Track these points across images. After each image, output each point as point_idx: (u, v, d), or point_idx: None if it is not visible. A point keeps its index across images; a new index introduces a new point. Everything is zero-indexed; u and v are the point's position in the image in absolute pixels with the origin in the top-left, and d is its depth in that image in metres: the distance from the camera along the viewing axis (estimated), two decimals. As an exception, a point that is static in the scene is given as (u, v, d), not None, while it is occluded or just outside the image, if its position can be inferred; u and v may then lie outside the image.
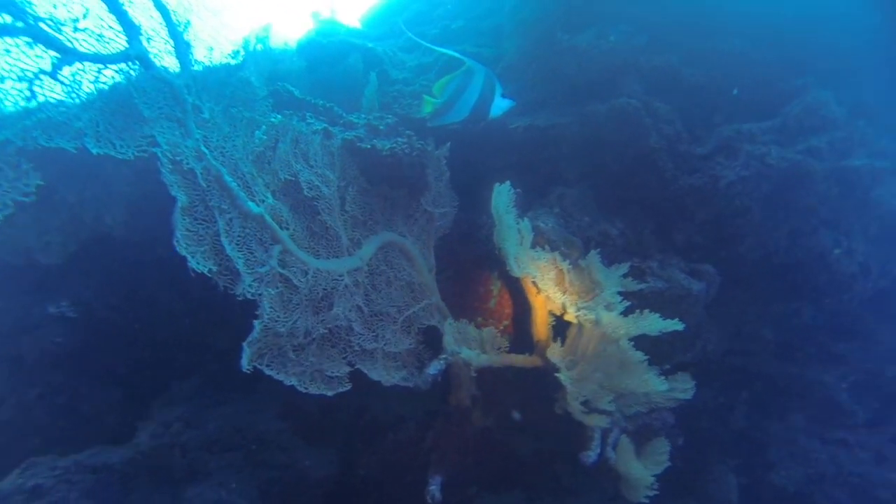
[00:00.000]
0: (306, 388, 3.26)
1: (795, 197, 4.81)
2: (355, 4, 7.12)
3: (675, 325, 3.41)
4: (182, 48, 3.36)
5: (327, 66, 4.73)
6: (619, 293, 3.79)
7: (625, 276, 4.05)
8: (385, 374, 3.52)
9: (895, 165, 4.90)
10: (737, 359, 5.29)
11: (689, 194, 4.94)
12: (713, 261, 4.79)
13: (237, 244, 3.10)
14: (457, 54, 3.76)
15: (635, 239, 4.74)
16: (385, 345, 3.55)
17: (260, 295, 3.12)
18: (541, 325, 3.79)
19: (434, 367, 3.50)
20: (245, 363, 3.08)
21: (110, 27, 3.14)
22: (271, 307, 3.14)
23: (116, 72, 3.23)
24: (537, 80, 5.02)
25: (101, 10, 3.16)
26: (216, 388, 4.46)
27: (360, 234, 3.68)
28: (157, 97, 3.14)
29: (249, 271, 3.10)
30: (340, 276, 3.48)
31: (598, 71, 5.01)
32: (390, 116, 4.20)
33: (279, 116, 3.54)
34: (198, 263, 2.99)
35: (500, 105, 3.62)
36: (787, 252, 4.91)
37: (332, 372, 3.37)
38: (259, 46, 3.90)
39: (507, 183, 3.75)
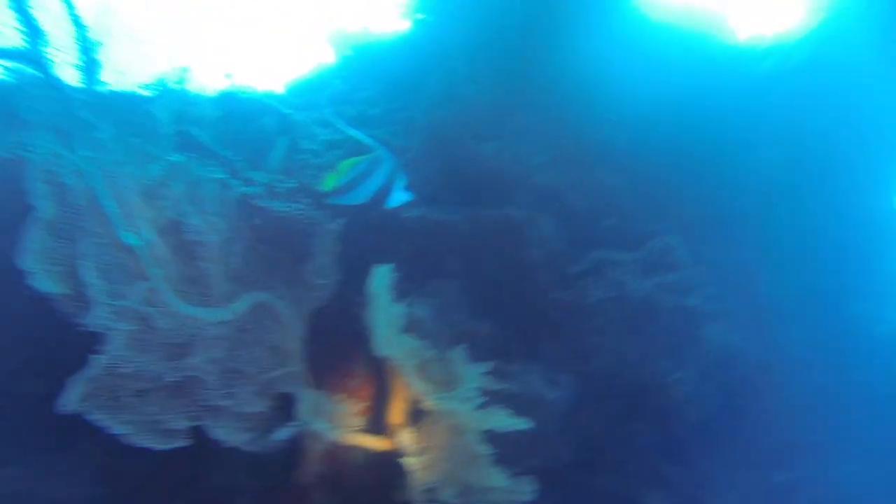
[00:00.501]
0: (137, 439, 3.02)
1: (645, 324, 5.38)
2: (281, 69, 7.32)
3: (521, 423, 3.60)
4: (90, 65, 3.31)
5: (241, 122, 4.79)
6: (478, 390, 3.94)
7: (486, 374, 4.22)
8: (229, 434, 3.36)
9: (724, 308, 5.66)
10: (579, 471, 5.54)
11: (557, 308, 5.37)
12: (571, 372, 5.14)
13: (101, 272, 2.95)
14: (369, 140, 3.97)
15: (502, 341, 5.02)
16: (237, 404, 3.41)
17: (111, 330, 2.94)
18: (398, 409, 3.84)
19: (282, 433, 3.40)
20: (69, 403, 2.82)
21: (10, 25, 3.04)
22: (121, 345, 2.96)
23: (6, 69, 3.11)
24: (438, 176, 5.37)
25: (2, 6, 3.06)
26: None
27: (237, 288, 3.62)
28: (45, 104, 3.03)
29: (108, 302, 2.93)
30: (206, 325, 3.37)
31: (495, 179, 5.47)
32: (292, 182, 4.29)
33: (180, 157, 3.51)
34: (47, 283, 2.79)
35: (399, 197, 3.82)
36: (634, 373, 5.40)
37: (173, 425, 3.16)
38: (175, 85, 3.92)
39: (388, 266, 3.89)
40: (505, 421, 3.56)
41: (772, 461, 6.07)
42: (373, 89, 6.56)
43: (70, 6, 3.21)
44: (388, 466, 3.69)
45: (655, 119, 6.27)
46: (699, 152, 6.30)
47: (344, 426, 3.67)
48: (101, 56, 3.37)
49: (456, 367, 4.09)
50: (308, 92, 6.87)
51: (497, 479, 3.43)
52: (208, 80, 5.19)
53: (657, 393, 5.39)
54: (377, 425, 3.91)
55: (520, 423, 3.61)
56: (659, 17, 6.52)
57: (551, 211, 5.54)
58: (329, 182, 3.79)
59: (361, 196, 3.79)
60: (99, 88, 3.38)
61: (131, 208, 3.16)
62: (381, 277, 3.87)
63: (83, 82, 3.32)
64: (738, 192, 6.35)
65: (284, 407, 3.68)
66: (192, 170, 3.45)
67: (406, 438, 3.52)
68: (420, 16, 6.74)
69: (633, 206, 6.08)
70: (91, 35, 3.30)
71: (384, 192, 3.81)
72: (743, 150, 6.36)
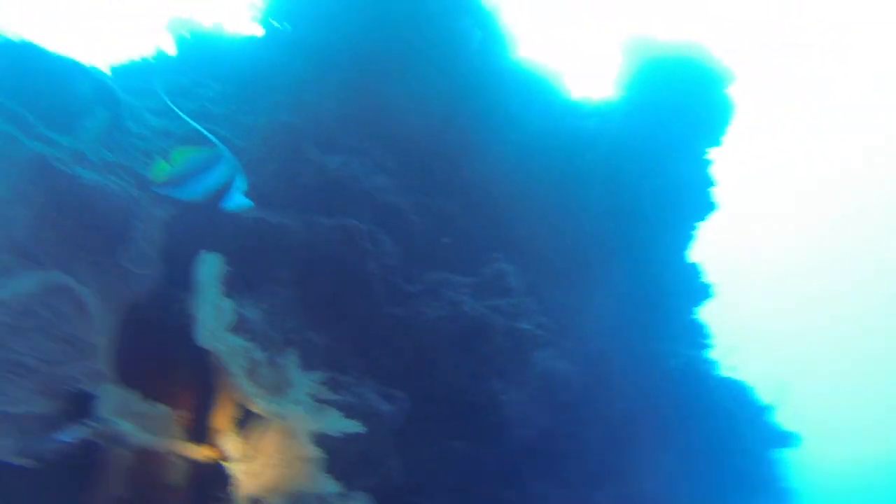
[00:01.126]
0: None
1: (479, 344, 5.53)
2: (108, 50, 6.55)
3: (353, 426, 3.43)
4: None
5: (44, 78, 4.04)
6: (310, 396, 3.69)
7: (320, 383, 3.98)
8: (-10, 442, 2.67)
9: (552, 336, 6.05)
10: (413, 496, 5.36)
11: (394, 323, 5.32)
12: (406, 389, 5.05)
13: None
14: (211, 136, 3.64)
15: (336, 352, 4.81)
16: (5, 402, 2.75)
17: None
18: (222, 413, 3.43)
19: (67, 434, 2.78)
20: None
21: None
22: None
23: None
24: (276, 180, 5.13)
25: None
26: None
27: (18, 263, 3.00)
28: None
29: None
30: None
31: (336, 191, 5.37)
32: (110, 156, 3.76)
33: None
34: None
35: (237, 201, 3.46)
36: (468, 391, 5.48)
37: None
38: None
39: (217, 255, 3.54)
40: (337, 422, 3.34)
41: (591, 481, 6.41)
42: (216, 88, 6.15)
43: None
44: (209, 475, 3.23)
45: (497, 156, 6.74)
46: (535, 191, 6.85)
47: (159, 430, 3.15)
48: None
49: (287, 372, 3.80)
50: (140, 76, 6.21)
51: (328, 486, 3.16)
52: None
53: (488, 412, 5.51)
54: (199, 430, 3.43)
55: (352, 426, 3.42)
56: (504, 64, 7.14)
57: (391, 228, 5.55)
58: (159, 170, 3.35)
59: (195, 192, 3.40)
60: None
61: None
62: (210, 267, 3.50)
63: None
64: (569, 233, 6.98)
65: (77, 408, 3.04)
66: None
67: (231, 444, 3.12)
68: (275, 23, 6.57)
69: (471, 232, 6.36)
70: None
71: (221, 192, 3.46)
72: (572, 194, 7.05)
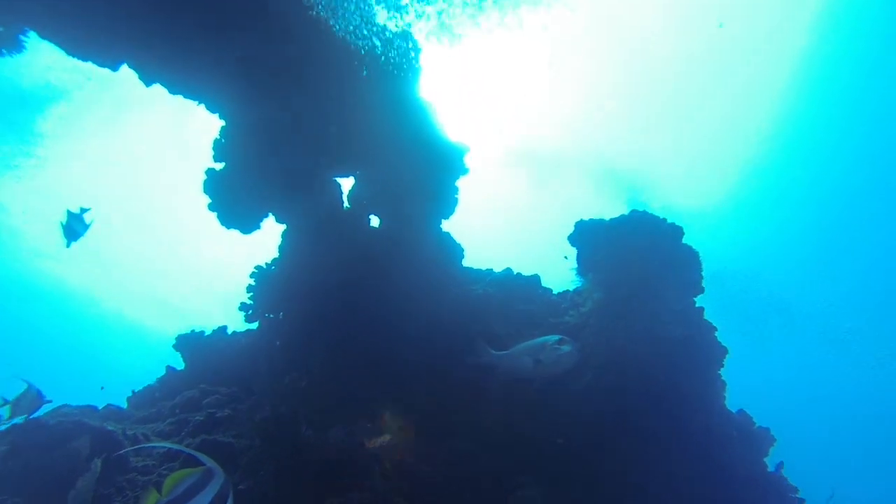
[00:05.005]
0: None
1: None
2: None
3: None
4: None
5: (39, 451, 4.40)
6: None
7: None
8: None
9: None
10: None
11: None
12: None
13: None
14: (201, 456, 3.83)
15: None
16: None
17: None
18: None
19: None
20: None
21: None
22: None
23: None
24: (278, 474, 5.16)
25: None
26: None
27: None
28: None
29: None
30: None
31: (346, 463, 5.35)
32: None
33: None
34: None
35: None
36: None
37: None
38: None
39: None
40: None
41: None
42: (220, 394, 6.55)
43: None
44: None
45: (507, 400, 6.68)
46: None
47: None
48: None
49: None
50: (155, 404, 6.71)
51: None
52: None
53: None
54: None
55: None
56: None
57: (403, 491, 5.39)
58: (151, 499, 3.49)
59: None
60: None
61: None
62: None
63: None
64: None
65: None
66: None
67: None
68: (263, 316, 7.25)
69: (491, 466, 6.08)
70: None
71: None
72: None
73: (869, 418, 36.36)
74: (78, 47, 6.37)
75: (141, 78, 6.65)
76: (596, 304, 6.63)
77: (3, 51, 6.65)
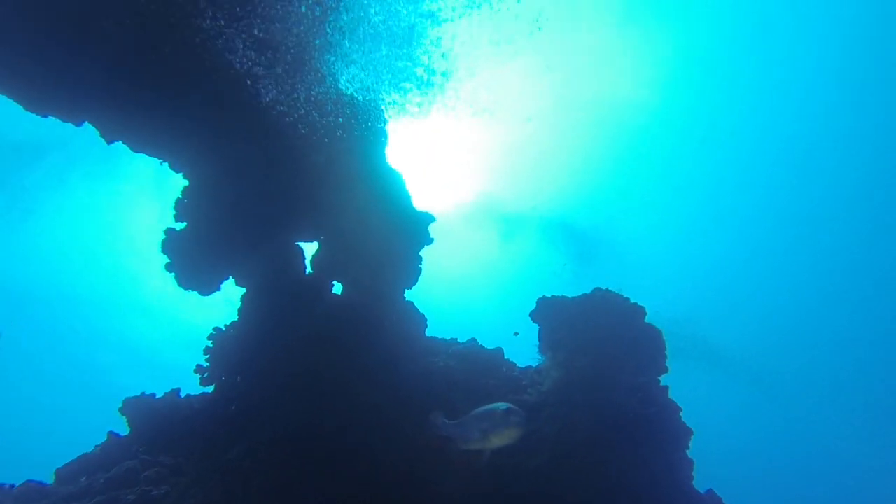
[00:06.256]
0: None
1: None
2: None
3: None
4: None
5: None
6: None
7: None
8: None
9: None
10: None
11: None
12: None
13: None
14: None
15: None
16: None
17: None
18: None
19: None
20: None
21: None
22: None
23: None
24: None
25: None
26: None
27: None
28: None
29: None
30: None
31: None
32: None
33: None
34: None
35: None
36: None
37: None
38: None
39: None
40: None
41: None
42: (160, 464, 6.27)
43: None
44: None
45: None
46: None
47: None
48: None
49: None
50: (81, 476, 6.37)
51: None
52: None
53: None
54: None
55: None
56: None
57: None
58: None
59: None
60: None
61: None
62: None
63: None
64: None
65: None
66: None
67: None
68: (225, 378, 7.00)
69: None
70: None
71: None
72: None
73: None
74: (36, 105, 6.26)
75: (102, 136, 6.55)
76: (555, 383, 6.49)
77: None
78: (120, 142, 6.59)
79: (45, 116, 6.25)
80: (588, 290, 7.24)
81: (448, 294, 30.25)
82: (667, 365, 7.06)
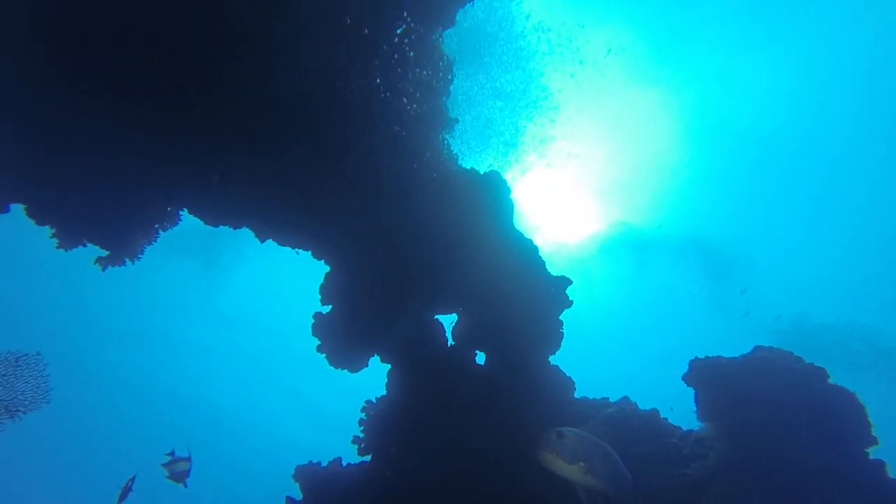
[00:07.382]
0: None
1: None
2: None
3: None
4: None
5: None
6: None
7: None
8: None
9: None
10: None
11: None
12: None
13: None
14: None
15: None
16: None
17: None
18: None
19: None
20: None
21: None
22: None
23: None
24: None
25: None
26: None
27: None
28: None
29: None
30: None
31: None
32: None
33: None
34: None
35: None
36: None
37: None
38: None
39: None
40: None
41: None
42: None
43: None
44: None
45: None
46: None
47: None
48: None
49: None
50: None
51: None
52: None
53: None
54: None
55: None
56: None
57: None
58: None
59: None
60: None
61: None
62: None
63: None
64: None
65: None
66: None
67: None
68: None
69: None
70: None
71: None
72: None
73: None
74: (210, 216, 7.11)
75: (256, 236, 7.25)
76: (721, 457, 5.86)
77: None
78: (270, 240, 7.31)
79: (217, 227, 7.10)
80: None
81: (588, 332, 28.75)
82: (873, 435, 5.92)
